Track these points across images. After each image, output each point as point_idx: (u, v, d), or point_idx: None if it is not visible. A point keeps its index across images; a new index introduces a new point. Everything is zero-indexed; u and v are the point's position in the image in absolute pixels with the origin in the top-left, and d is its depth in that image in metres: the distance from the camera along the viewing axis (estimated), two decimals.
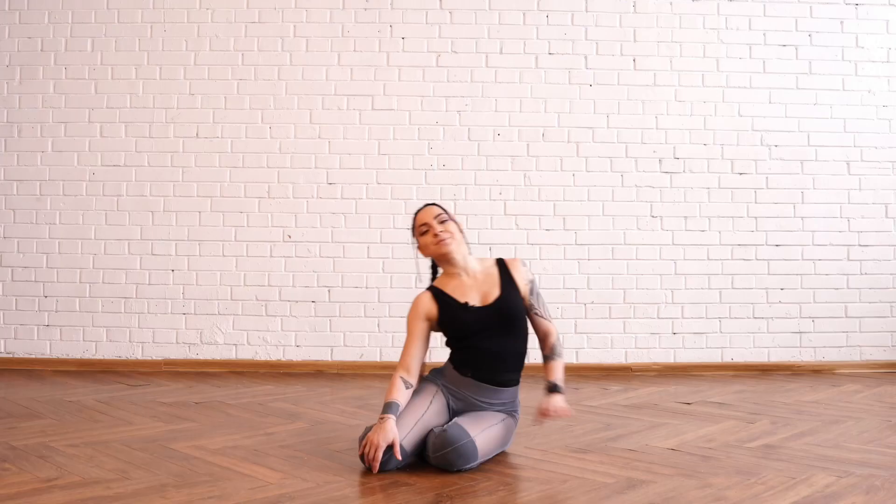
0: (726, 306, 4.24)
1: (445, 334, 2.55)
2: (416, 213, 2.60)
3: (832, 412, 3.14)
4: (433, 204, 2.61)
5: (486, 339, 2.47)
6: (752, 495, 2.02)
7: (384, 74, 4.23)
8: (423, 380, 2.53)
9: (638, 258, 4.23)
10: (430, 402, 2.42)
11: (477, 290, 2.53)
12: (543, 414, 2.42)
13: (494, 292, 2.51)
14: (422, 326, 2.50)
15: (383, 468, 2.24)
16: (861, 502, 1.97)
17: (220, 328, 4.19)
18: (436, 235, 2.50)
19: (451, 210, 2.65)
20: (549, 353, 2.56)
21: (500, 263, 2.59)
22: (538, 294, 2.59)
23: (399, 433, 2.27)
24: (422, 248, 2.58)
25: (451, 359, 2.54)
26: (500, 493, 2.06)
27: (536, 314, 2.56)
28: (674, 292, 4.24)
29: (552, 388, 2.48)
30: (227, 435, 2.69)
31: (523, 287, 2.56)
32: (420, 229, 2.56)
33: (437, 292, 2.53)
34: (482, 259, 2.62)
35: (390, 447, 2.23)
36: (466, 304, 2.49)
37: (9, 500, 1.94)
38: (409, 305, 4.11)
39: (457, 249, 2.52)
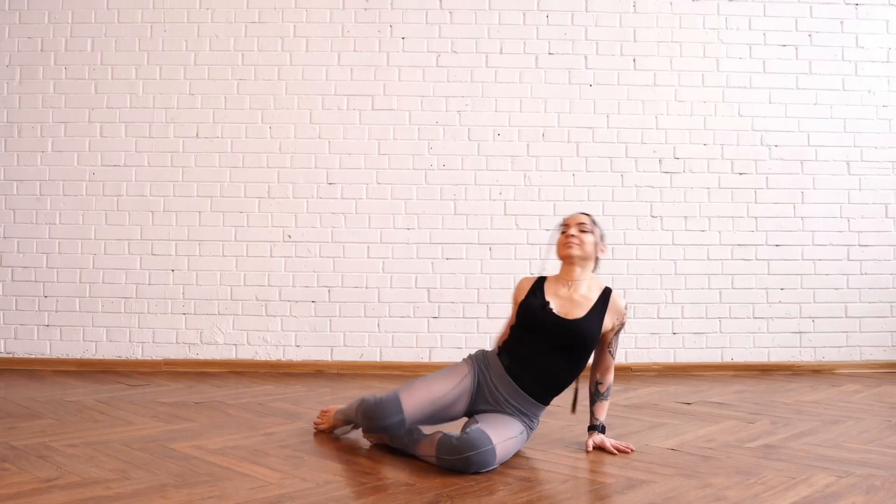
0: (726, 306, 4.25)
1: (515, 318, 2.56)
2: (569, 216, 2.66)
3: (832, 412, 3.14)
4: (587, 214, 2.63)
5: (542, 345, 2.47)
6: (752, 495, 2.02)
7: (384, 74, 4.23)
8: (467, 358, 2.57)
9: (638, 258, 4.23)
10: (453, 388, 2.43)
11: (568, 303, 2.52)
12: (610, 452, 2.49)
13: (578, 313, 2.49)
14: (513, 308, 2.61)
15: (385, 430, 2.33)
16: (861, 502, 1.97)
17: (220, 328, 4.20)
18: (567, 236, 2.55)
19: (601, 229, 2.65)
20: (605, 392, 2.59)
21: (606, 292, 2.57)
22: (619, 336, 2.62)
23: (409, 402, 2.33)
24: (556, 244, 2.62)
25: (503, 342, 2.58)
26: (500, 493, 2.05)
27: (609, 350, 2.59)
28: (674, 292, 4.24)
29: (602, 429, 2.56)
30: (227, 435, 2.69)
31: (611, 323, 2.54)
32: (562, 227, 2.61)
33: (539, 281, 2.61)
34: (595, 279, 2.61)
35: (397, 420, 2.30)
36: (547, 303, 2.50)
37: (9, 500, 1.93)
38: (408, 305, 4.17)
39: (579, 259, 2.55)
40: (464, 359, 2.57)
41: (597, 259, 2.61)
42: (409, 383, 2.43)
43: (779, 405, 3.29)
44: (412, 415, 2.32)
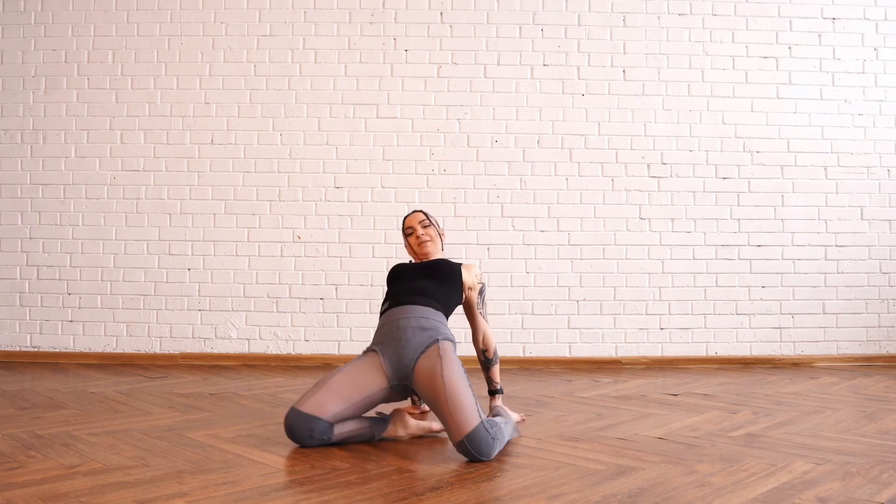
0: (711, 303, 4.24)
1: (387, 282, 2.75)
2: (405, 217, 2.85)
3: (810, 403, 3.14)
4: (419, 210, 2.86)
5: (413, 281, 2.62)
6: (734, 481, 2.02)
7: (388, 85, 4.23)
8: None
9: (627, 258, 4.23)
10: (343, 368, 2.41)
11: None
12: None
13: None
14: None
15: (311, 438, 2.30)
16: (837, 488, 1.97)
17: (233, 324, 4.20)
18: (418, 237, 2.77)
19: (434, 215, 2.87)
20: (493, 357, 2.73)
21: (458, 265, 2.76)
22: (484, 298, 2.80)
23: (306, 396, 2.33)
24: (407, 247, 2.85)
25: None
26: (497, 479, 2.05)
27: (480, 312, 2.77)
28: (661, 290, 4.24)
29: (500, 391, 2.73)
30: (240, 424, 2.69)
31: (469, 280, 2.74)
32: (406, 231, 2.82)
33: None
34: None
35: (309, 423, 2.28)
36: (410, 261, 2.78)
37: (35, 485, 1.94)
38: None
39: (432, 250, 2.78)
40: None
41: (441, 240, 2.83)
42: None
43: (760, 396, 3.29)
44: (308, 405, 2.30)
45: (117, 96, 4.24)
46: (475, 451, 2.17)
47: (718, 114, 4.27)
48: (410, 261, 2.83)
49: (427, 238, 2.76)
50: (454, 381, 2.27)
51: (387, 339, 2.47)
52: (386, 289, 2.72)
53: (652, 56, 4.27)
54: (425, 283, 2.61)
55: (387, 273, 2.81)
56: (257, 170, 4.22)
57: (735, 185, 4.26)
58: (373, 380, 2.40)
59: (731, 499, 1.87)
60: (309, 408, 2.30)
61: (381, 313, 2.60)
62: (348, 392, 2.35)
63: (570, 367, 4.12)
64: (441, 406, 2.25)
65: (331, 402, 2.32)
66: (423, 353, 2.40)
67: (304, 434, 2.30)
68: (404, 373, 2.41)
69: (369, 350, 2.50)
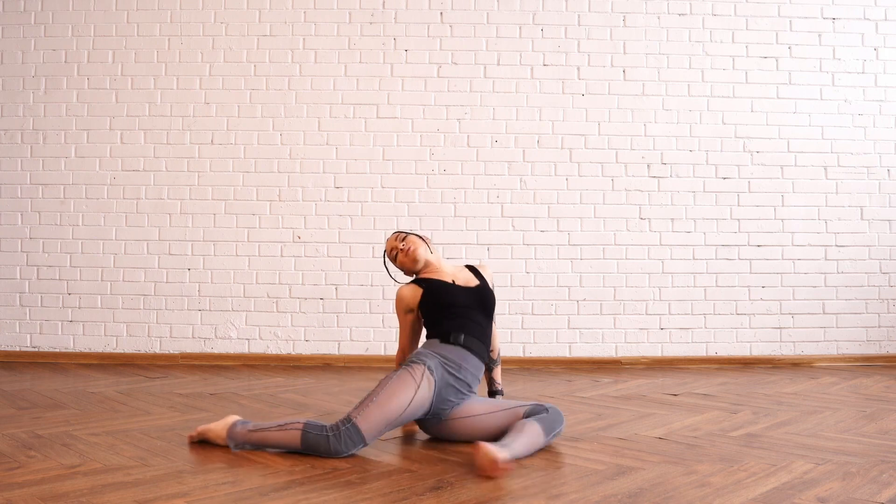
0: (711, 303, 4.25)
1: (431, 311, 2.52)
2: (385, 250, 2.72)
3: (810, 403, 3.14)
4: (395, 231, 2.79)
5: (472, 311, 2.52)
6: (734, 481, 2.02)
7: (388, 85, 4.23)
8: (417, 362, 2.36)
9: (627, 258, 4.23)
10: (410, 402, 2.28)
11: (458, 280, 2.63)
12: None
13: (473, 282, 2.64)
14: (409, 318, 2.59)
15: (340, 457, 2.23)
16: (837, 488, 1.97)
17: (233, 324, 4.20)
18: (403, 250, 2.63)
19: (415, 225, 2.79)
20: (496, 359, 2.74)
21: (472, 267, 2.73)
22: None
23: (368, 430, 2.22)
24: (400, 268, 2.68)
25: (438, 333, 2.49)
26: (497, 479, 2.05)
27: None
28: (661, 290, 4.24)
29: (501, 392, 2.74)
30: None
31: (491, 285, 2.71)
32: (391, 254, 2.68)
33: (419, 280, 2.61)
34: (453, 264, 2.83)
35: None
36: (453, 282, 2.60)
37: (35, 485, 1.94)
38: None
39: (423, 252, 2.63)
40: (413, 363, 2.35)
41: (430, 246, 2.68)
42: (362, 403, 2.27)
43: (760, 396, 3.29)
44: (371, 439, 2.26)
45: (117, 96, 4.24)
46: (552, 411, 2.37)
47: (718, 114, 4.27)
48: (453, 281, 2.61)
49: (410, 245, 2.61)
50: None
51: (445, 376, 2.37)
52: (427, 299, 2.53)
53: (652, 56, 4.27)
54: (482, 322, 2.52)
55: (402, 296, 2.57)
56: (257, 170, 4.22)
57: (735, 185, 4.26)
58: (422, 409, 2.35)
59: (731, 499, 1.87)
60: (374, 441, 2.28)
61: (435, 334, 2.48)
62: (407, 420, 2.35)
63: (570, 367, 4.12)
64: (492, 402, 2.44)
65: (389, 431, 2.35)
66: (461, 402, 2.44)
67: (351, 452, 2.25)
68: (441, 409, 2.40)
69: (428, 369, 2.34)
